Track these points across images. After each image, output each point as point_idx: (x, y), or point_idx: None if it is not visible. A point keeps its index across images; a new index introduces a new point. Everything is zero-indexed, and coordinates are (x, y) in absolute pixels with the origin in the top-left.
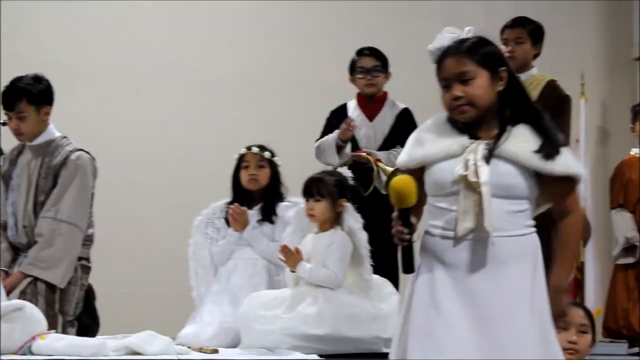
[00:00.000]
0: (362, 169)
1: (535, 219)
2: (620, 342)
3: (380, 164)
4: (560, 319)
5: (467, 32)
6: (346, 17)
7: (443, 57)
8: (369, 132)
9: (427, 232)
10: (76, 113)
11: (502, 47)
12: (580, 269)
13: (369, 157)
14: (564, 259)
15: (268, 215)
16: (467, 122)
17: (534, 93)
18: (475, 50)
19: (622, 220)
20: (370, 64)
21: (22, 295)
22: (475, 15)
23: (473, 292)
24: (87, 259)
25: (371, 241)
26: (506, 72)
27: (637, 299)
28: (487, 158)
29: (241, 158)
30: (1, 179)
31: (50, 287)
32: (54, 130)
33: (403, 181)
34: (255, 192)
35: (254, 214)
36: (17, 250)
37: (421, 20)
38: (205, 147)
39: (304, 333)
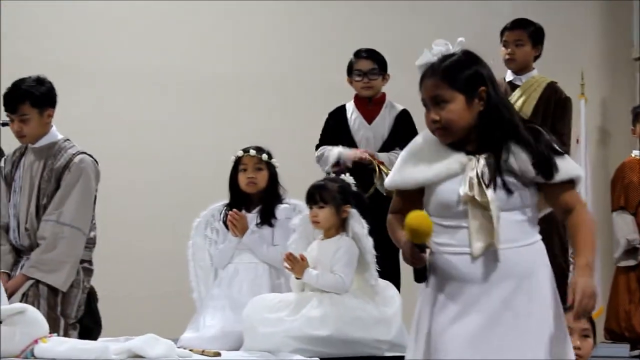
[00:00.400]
0: (362, 170)
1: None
2: (622, 345)
3: (383, 167)
4: (590, 300)
5: (458, 44)
6: (346, 17)
7: (424, 76)
8: (367, 134)
9: (436, 250)
10: (75, 113)
11: (502, 49)
12: None
13: (372, 158)
14: (586, 242)
15: (267, 218)
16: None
17: (535, 95)
18: (452, 73)
19: (624, 223)
20: (367, 67)
21: (24, 298)
22: (474, 15)
23: (495, 307)
24: (90, 262)
25: (375, 245)
26: (485, 92)
27: (639, 301)
28: (491, 175)
29: (238, 160)
30: (3, 181)
31: (52, 290)
32: (56, 133)
33: (422, 219)
34: (254, 194)
35: (252, 217)
36: (19, 253)
37: (422, 20)
38: (204, 148)
39: (307, 335)
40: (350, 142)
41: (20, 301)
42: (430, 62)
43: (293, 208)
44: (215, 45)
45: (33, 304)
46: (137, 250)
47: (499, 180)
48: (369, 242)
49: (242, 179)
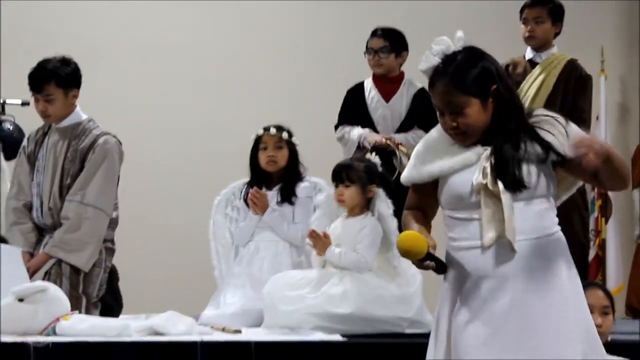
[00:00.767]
0: (384, 154)
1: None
2: None
3: (401, 148)
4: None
5: (458, 40)
6: None
7: (433, 82)
8: (385, 112)
9: (449, 246)
10: (96, 94)
11: (522, 27)
12: (602, 246)
13: (389, 142)
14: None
15: (287, 197)
16: None
17: (555, 72)
18: (463, 78)
19: None
20: (378, 45)
21: (46, 277)
22: None
23: (511, 301)
24: (112, 241)
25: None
26: (496, 89)
27: None
28: (505, 165)
29: (259, 139)
30: (26, 160)
31: (75, 269)
32: (80, 113)
33: (410, 239)
34: (274, 173)
35: (273, 195)
36: (41, 232)
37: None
38: (224, 127)
39: (328, 312)
40: (368, 121)
41: (43, 280)
42: (434, 65)
43: (313, 186)
44: (237, 23)
45: (55, 283)
46: (158, 229)
47: (514, 170)
48: (393, 222)
49: (263, 158)
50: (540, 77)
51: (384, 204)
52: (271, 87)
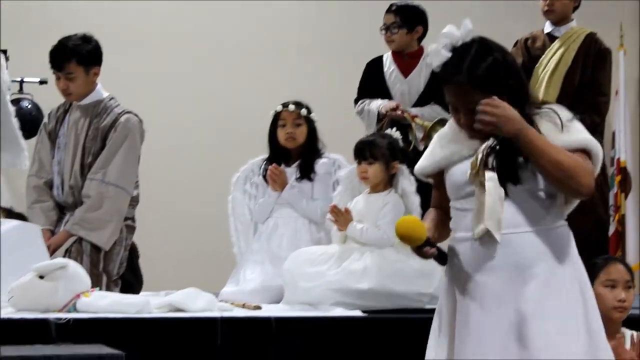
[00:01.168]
0: (401, 128)
1: None
2: None
3: (417, 120)
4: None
5: (464, 28)
6: None
7: (446, 80)
8: (403, 88)
9: (451, 237)
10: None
11: (541, 1)
12: (621, 221)
13: (404, 114)
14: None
15: (306, 173)
16: None
17: (574, 46)
18: (476, 75)
19: None
20: (389, 21)
21: (67, 254)
22: None
23: (499, 295)
24: (132, 219)
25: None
26: (509, 83)
27: None
28: (499, 156)
29: (277, 115)
30: (47, 137)
31: (95, 247)
32: (102, 91)
33: (408, 224)
34: (293, 149)
35: (292, 171)
36: (62, 209)
37: None
38: (243, 103)
39: (348, 288)
40: (386, 95)
41: (64, 257)
42: (445, 59)
43: (332, 162)
44: (253, 3)
45: (76, 261)
46: (178, 206)
47: (510, 162)
48: (416, 199)
49: (281, 134)
50: (559, 51)
51: (406, 181)
52: (289, 63)
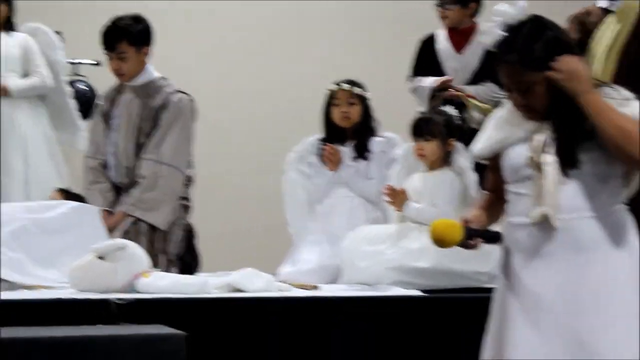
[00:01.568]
0: (454, 104)
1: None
2: None
3: (471, 100)
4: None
5: (518, 5)
6: None
7: (498, 57)
8: (456, 65)
9: (505, 221)
10: (169, 52)
11: None
12: None
13: (459, 94)
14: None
15: (362, 152)
16: None
17: (630, 20)
18: (530, 55)
19: None
20: None
21: (125, 235)
22: None
23: (554, 283)
24: (187, 199)
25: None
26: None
27: None
28: (559, 139)
29: (331, 94)
30: (101, 118)
31: (152, 227)
32: (153, 71)
33: (441, 228)
34: (348, 128)
35: (347, 151)
36: (118, 190)
37: None
38: (296, 82)
39: (406, 266)
40: (439, 72)
41: (122, 238)
42: (499, 39)
43: (387, 141)
44: None
45: (134, 241)
46: (233, 186)
47: (569, 146)
48: (473, 176)
49: (336, 113)
50: (616, 27)
51: (463, 158)
52: (343, 41)
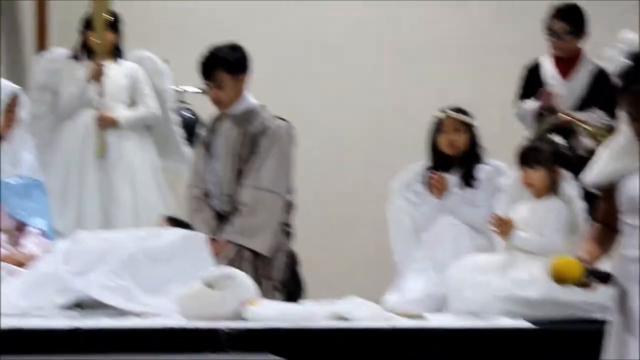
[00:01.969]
0: (560, 132)
1: None
2: None
3: (583, 126)
4: None
5: None
6: None
7: (624, 85)
8: (563, 91)
9: (618, 254)
10: (268, 79)
11: None
12: None
13: (570, 119)
14: None
15: (468, 180)
16: None
17: None
18: None
19: None
20: (559, 28)
21: (229, 262)
22: None
23: None
24: (289, 225)
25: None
26: None
27: None
28: None
29: (438, 122)
30: (202, 148)
31: (256, 253)
32: (251, 99)
33: (561, 267)
34: (454, 156)
35: (453, 178)
36: (221, 218)
37: None
38: (400, 110)
39: (515, 296)
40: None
41: (226, 265)
42: (624, 68)
43: (494, 169)
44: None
45: (238, 268)
46: (336, 213)
47: None
48: (580, 204)
49: (442, 141)
50: None
51: (571, 186)
52: (449, 68)
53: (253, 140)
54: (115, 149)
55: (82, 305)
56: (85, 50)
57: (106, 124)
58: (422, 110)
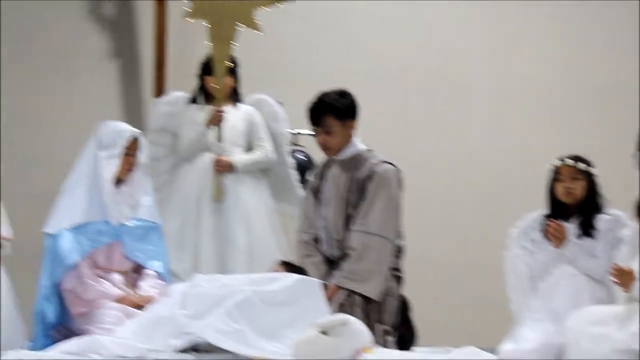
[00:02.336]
0: None
1: None
2: None
3: None
4: None
5: None
6: (622, 17)
7: None
8: None
9: None
10: (376, 123)
11: None
12: None
13: None
14: None
15: (587, 229)
16: None
17: None
18: None
19: None
20: None
21: (340, 308)
22: None
23: None
24: (399, 269)
25: None
26: None
27: None
28: None
29: (555, 170)
30: (311, 194)
31: (366, 298)
32: (359, 144)
33: None
34: (572, 204)
35: (571, 227)
36: (330, 263)
37: None
38: (514, 155)
39: (635, 349)
40: None
41: (337, 311)
42: None
43: (615, 219)
44: (530, 49)
45: (349, 314)
46: (449, 258)
47: None
48: None
49: (560, 189)
50: None
51: None
52: (567, 115)
53: (361, 185)
54: (231, 192)
55: (198, 348)
56: (204, 94)
57: (224, 169)
58: (538, 158)
